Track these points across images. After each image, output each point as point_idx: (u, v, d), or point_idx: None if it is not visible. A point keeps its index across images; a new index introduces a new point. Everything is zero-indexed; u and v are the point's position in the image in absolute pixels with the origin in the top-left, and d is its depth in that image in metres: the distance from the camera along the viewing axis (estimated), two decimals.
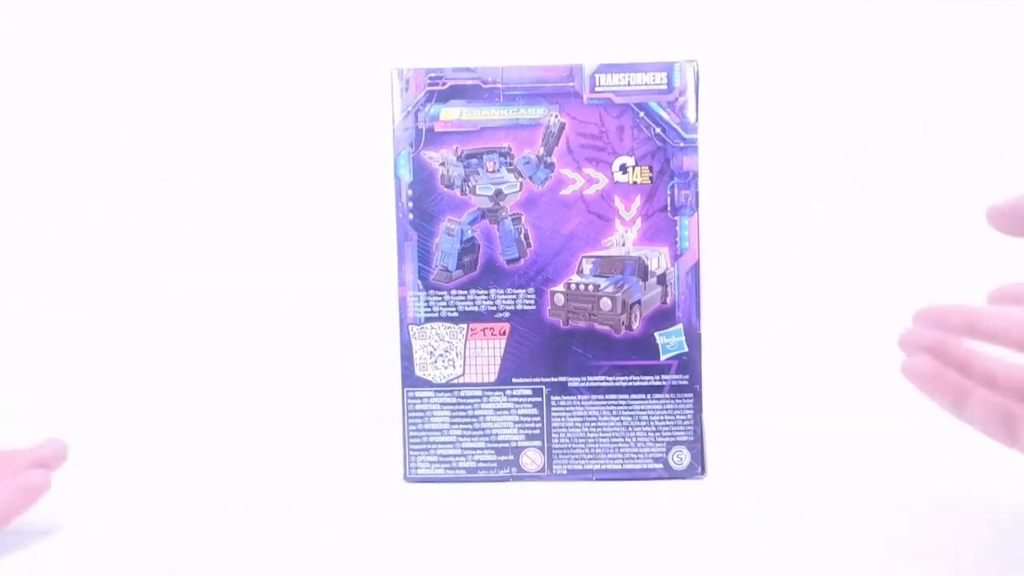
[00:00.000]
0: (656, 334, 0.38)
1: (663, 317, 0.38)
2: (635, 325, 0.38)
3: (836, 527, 0.32)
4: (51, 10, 0.54)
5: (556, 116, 0.38)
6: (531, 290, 0.38)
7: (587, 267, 0.38)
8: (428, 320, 0.38)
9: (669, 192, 0.38)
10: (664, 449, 0.38)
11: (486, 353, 0.39)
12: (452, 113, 0.38)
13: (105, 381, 0.49)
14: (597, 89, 0.38)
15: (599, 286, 0.38)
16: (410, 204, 0.38)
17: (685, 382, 0.38)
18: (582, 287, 0.38)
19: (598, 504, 0.35)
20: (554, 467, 0.39)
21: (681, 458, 0.38)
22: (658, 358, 0.38)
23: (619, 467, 0.38)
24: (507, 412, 0.39)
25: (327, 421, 0.46)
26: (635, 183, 0.38)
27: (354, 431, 0.45)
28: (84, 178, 0.54)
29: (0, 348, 0.53)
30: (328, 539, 0.32)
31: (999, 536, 0.30)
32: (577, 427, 0.38)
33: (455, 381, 0.39)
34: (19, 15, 0.54)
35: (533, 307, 0.38)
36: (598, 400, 0.38)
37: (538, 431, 0.39)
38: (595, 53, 0.40)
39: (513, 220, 0.38)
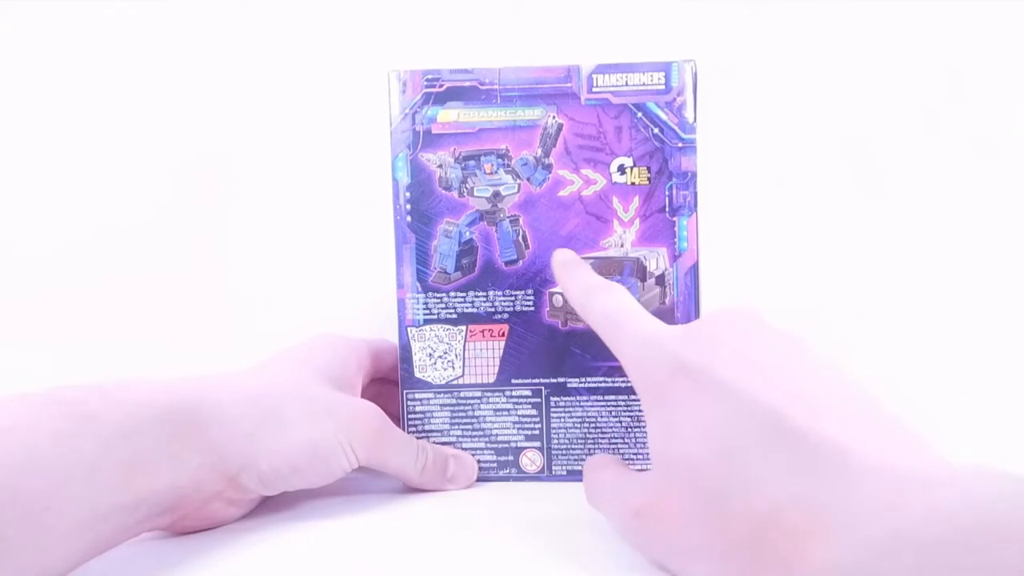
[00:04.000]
0: None
1: (662, 318, 0.38)
2: None
3: None
4: (47, 10, 0.54)
5: (554, 117, 0.38)
6: (530, 291, 0.38)
7: None
8: (427, 322, 0.39)
9: (667, 193, 0.38)
10: None
11: (485, 354, 0.39)
12: (450, 115, 0.38)
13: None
14: (595, 89, 0.38)
15: None
16: (408, 206, 0.38)
17: None
18: None
19: None
20: (553, 468, 0.39)
21: None
22: None
23: None
24: (506, 413, 0.39)
25: None
26: (633, 184, 0.38)
27: None
28: (79, 178, 0.54)
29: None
30: (329, 540, 0.32)
31: None
32: (576, 428, 0.38)
33: (454, 382, 0.39)
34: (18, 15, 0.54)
35: (532, 308, 0.38)
36: (597, 401, 0.38)
37: (537, 432, 0.39)
38: (592, 53, 0.40)
39: (511, 222, 0.38)
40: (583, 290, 0.33)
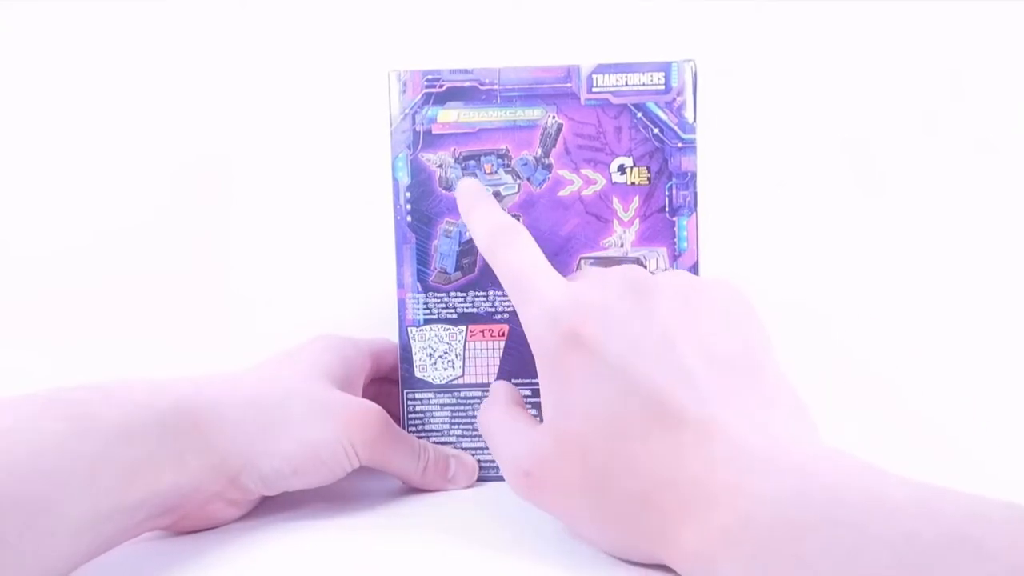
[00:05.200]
0: None
1: None
2: None
3: None
4: (47, 10, 0.54)
5: (553, 117, 0.38)
6: None
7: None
8: (427, 322, 0.39)
9: (667, 193, 0.38)
10: None
11: (485, 354, 0.39)
12: (450, 115, 0.38)
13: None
14: (594, 89, 0.38)
15: None
16: (408, 206, 0.38)
17: None
18: None
19: None
20: None
21: None
22: None
23: None
24: None
25: None
26: (633, 184, 0.38)
27: None
28: (80, 178, 0.54)
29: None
30: (329, 541, 0.32)
31: None
32: None
33: (455, 382, 0.39)
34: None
35: None
36: None
37: None
38: (592, 53, 0.40)
39: None
40: (488, 231, 0.33)
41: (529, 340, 0.29)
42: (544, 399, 0.29)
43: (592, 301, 0.28)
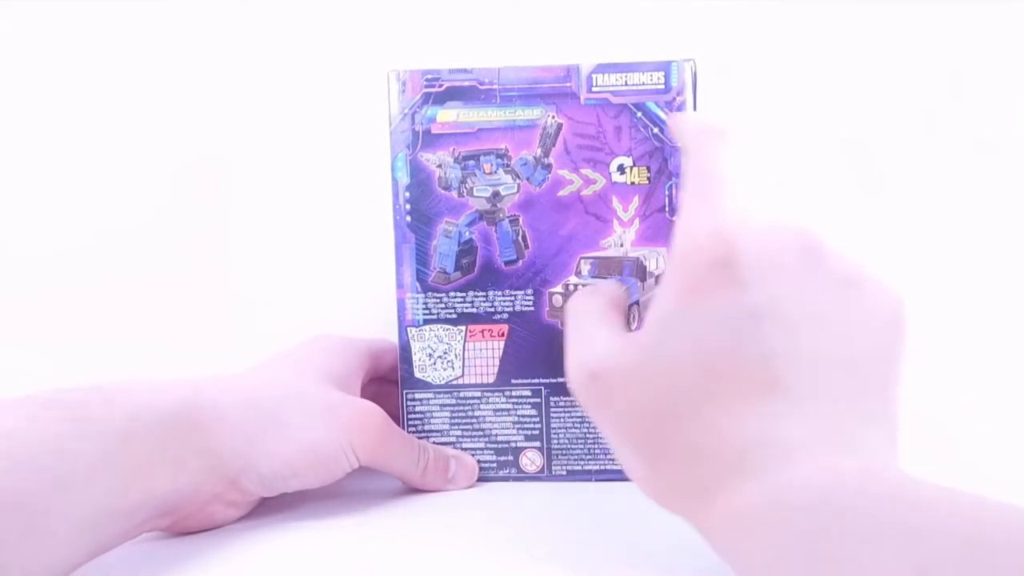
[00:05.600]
0: None
1: None
2: (633, 326, 0.38)
3: None
4: (47, 10, 0.54)
5: (553, 117, 0.38)
6: (529, 291, 0.38)
7: (585, 268, 0.38)
8: (427, 322, 0.39)
9: (667, 192, 0.38)
10: None
11: (485, 354, 0.39)
12: (449, 115, 0.38)
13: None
14: (594, 89, 0.38)
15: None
16: (407, 206, 0.38)
17: None
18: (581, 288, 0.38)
19: (597, 505, 0.36)
20: (553, 468, 0.39)
21: None
22: None
23: (618, 467, 0.38)
24: (506, 413, 0.39)
25: None
26: (633, 183, 0.38)
27: None
28: (80, 178, 0.54)
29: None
30: (329, 541, 0.32)
31: None
32: (576, 428, 0.38)
33: (454, 382, 0.39)
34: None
35: (532, 308, 0.38)
36: None
37: (537, 432, 0.39)
38: (592, 53, 0.40)
39: (511, 222, 0.38)
40: (697, 125, 0.29)
41: (672, 244, 0.26)
42: (651, 313, 0.26)
43: (760, 242, 0.25)
